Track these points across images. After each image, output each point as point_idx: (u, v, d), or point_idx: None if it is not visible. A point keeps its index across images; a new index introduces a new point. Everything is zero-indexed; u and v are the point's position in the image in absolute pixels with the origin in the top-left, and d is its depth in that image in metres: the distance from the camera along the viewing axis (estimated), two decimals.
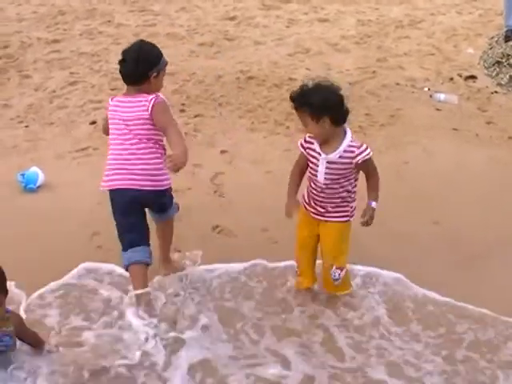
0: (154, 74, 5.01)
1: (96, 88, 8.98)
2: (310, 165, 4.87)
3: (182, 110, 8.23)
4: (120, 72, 5.12)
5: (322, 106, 4.56)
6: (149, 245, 5.09)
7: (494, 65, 10.16)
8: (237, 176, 6.73)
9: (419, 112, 8.61)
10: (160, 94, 5.02)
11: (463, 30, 11.92)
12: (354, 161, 4.71)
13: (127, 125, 4.98)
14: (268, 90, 8.86)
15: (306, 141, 4.86)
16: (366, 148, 4.74)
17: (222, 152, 7.19)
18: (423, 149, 7.66)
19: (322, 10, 12.80)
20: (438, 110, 8.76)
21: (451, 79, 9.77)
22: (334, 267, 4.95)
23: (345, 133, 4.74)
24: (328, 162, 4.74)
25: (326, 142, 4.75)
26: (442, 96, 9.07)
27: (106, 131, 5.25)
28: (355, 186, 4.92)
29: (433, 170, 7.18)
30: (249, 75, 9.34)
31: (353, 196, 4.95)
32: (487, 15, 12.69)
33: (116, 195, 5.04)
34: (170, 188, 5.30)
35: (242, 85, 9.00)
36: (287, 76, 9.36)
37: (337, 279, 5.00)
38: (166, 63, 5.18)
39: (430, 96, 9.10)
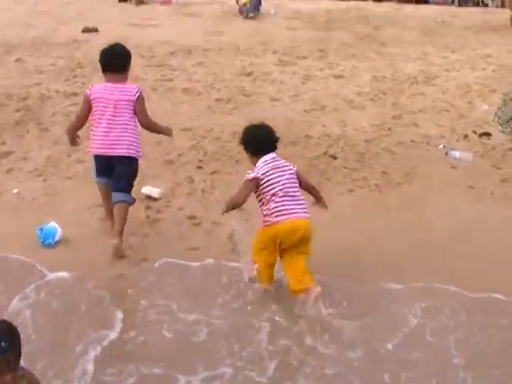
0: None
1: None
2: None
3: (199, 167, 8.30)
4: (107, 64, 6.70)
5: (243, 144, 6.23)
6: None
7: (508, 121, 10.23)
8: (254, 234, 6.75)
9: (435, 170, 8.65)
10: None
11: (477, 86, 12.04)
12: None
13: (116, 105, 6.46)
14: (284, 147, 8.82)
15: None
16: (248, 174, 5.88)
17: (239, 210, 7.19)
18: (439, 207, 7.66)
19: (338, 66, 12.96)
20: (453, 167, 8.80)
21: (466, 136, 9.84)
22: None
23: None
24: None
25: None
26: (457, 153, 9.11)
27: (83, 118, 6.78)
28: (262, 203, 5.89)
29: (449, 229, 7.18)
30: None
31: (264, 212, 5.86)
32: (501, 71, 12.84)
33: (100, 158, 6.66)
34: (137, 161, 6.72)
35: None
36: (303, 133, 9.45)
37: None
38: None
39: (446, 153, 9.14)
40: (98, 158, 6.68)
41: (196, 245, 6.64)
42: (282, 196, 5.77)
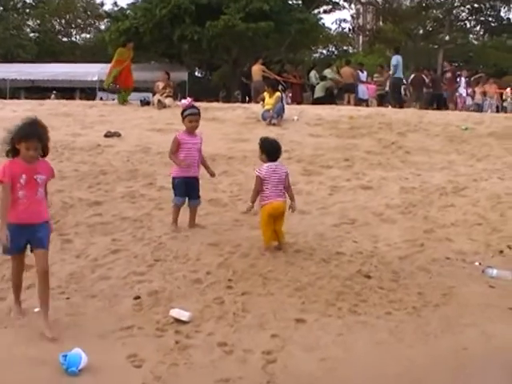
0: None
1: (139, 258, 8.76)
2: None
3: (229, 287, 7.92)
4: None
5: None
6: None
7: None
8: (290, 364, 6.38)
9: (473, 290, 8.30)
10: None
11: (507, 197, 11.92)
12: None
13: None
14: (316, 265, 8.61)
15: None
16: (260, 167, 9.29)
17: (273, 336, 6.83)
18: (481, 332, 7.25)
19: (364, 176, 12.83)
20: (491, 286, 8.46)
21: (501, 252, 9.63)
22: None
23: None
24: None
25: None
26: (494, 272, 8.82)
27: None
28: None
29: (494, 357, 6.77)
30: (296, 248, 9.16)
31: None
32: None
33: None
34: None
35: (290, 259, 8.76)
36: (334, 250, 9.18)
37: None
38: (187, 114, 9.98)
39: (482, 271, 8.84)
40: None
41: (228, 375, 6.23)
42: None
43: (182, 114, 10.08)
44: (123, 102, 22.21)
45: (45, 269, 6.94)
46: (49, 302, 6.93)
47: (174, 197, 10.04)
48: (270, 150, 9.23)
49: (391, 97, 27.33)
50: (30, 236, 6.86)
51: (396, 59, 26.59)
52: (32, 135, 6.74)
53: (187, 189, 9.92)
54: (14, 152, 6.77)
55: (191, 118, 9.94)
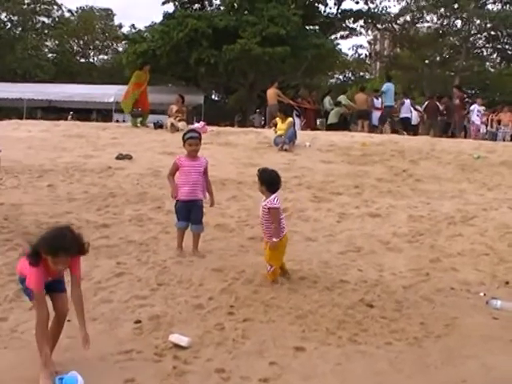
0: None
1: (143, 282, 8.77)
2: None
3: (231, 313, 7.89)
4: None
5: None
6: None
7: None
8: None
9: (476, 321, 8.20)
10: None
11: None
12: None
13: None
14: (319, 293, 8.58)
15: None
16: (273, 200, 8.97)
17: (271, 364, 6.77)
18: (482, 364, 7.15)
19: (373, 204, 12.80)
20: (494, 318, 8.36)
21: (507, 283, 9.50)
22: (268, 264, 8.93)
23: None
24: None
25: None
26: (498, 303, 8.71)
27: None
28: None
29: None
30: (300, 275, 9.15)
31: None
32: None
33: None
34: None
35: (293, 286, 8.75)
36: (339, 278, 9.14)
37: (268, 270, 8.87)
38: (187, 138, 10.06)
39: (486, 302, 8.76)
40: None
41: None
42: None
43: (183, 138, 10.14)
44: (136, 124, 22.32)
45: (65, 313, 6.64)
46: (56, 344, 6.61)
47: (177, 221, 10.12)
48: (270, 181, 9.05)
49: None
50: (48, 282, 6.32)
51: (386, 86, 26.69)
52: (60, 252, 5.93)
53: (188, 213, 9.96)
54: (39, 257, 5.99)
55: (191, 141, 9.97)
